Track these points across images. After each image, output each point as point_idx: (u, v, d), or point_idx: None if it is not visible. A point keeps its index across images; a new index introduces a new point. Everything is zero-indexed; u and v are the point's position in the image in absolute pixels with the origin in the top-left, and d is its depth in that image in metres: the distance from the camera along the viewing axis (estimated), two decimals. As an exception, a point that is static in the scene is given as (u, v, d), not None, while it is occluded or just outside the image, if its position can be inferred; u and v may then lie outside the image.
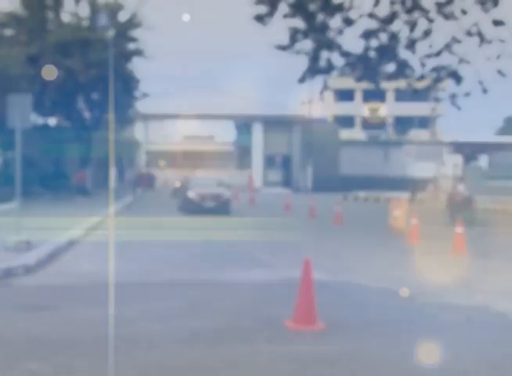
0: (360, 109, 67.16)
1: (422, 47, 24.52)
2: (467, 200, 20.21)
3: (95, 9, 29.00)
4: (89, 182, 31.33)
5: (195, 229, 18.44)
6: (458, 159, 37.00)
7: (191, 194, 23.63)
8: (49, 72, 24.75)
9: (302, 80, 24.13)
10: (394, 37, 23.72)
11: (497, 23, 22.46)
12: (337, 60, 24.03)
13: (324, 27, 22.75)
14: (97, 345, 6.62)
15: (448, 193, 20.75)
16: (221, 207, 23.39)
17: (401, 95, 60.24)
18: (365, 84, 26.59)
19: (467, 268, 12.36)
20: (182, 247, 14.57)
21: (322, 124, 47.12)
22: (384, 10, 23.32)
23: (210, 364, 6.10)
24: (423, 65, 25.20)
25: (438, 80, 26.04)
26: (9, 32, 28.71)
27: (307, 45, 23.34)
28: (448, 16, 23.34)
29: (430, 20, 23.65)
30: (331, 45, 22.98)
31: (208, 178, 29.80)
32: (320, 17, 22.66)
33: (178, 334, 7.11)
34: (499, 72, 23.75)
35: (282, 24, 22.64)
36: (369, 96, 61.51)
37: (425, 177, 37.51)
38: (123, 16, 29.64)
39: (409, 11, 23.33)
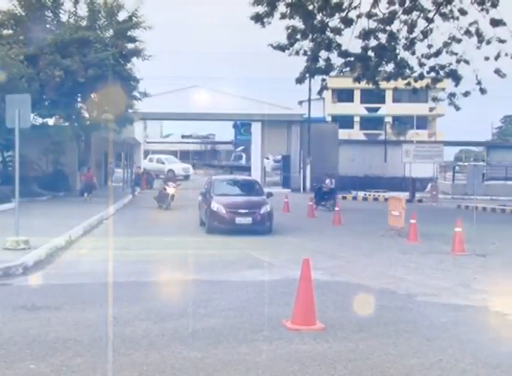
0: (359, 109, 67.19)
1: (421, 47, 24.59)
2: (331, 191, 26.42)
3: (93, 9, 28.96)
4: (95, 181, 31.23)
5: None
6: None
7: (216, 206, 17.14)
8: None
9: (301, 80, 24.15)
10: (393, 37, 23.76)
11: (495, 22, 22.49)
12: (336, 60, 24.09)
13: (323, 27, 22.76)
14: (95, 345, 6.62)
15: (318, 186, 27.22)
16: (259, 223, 17.14)
17: (399, 96, 60.31)
18: (364, 85, 26.61)
19: (467, 267, 12.36)
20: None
21: (320, 123, 47.08)
22: (382, 10, 23.39)
23: (210, 364, 6.10)
24: (422, 65, 25.25)
25: (436, 80, 26.11)
26: (7, 32, 28.68)
27: (306, 45, 23.39)
28: (446, 17, 23.39)
29: (429, 20, 23.70)
30: (330, 45, 23.00)
31: (239, 180, 21.42)
32: (319, 17, 22.69)
33: (177, 333, 7.10)
34: (497, 72, 23.80)
35: (281, 24, 22.68)
36: (367, 96, 61.52)
37: (423, 177, 37.56)
38: (122, 16, 29.60)
39: (407, 11, 23.37)
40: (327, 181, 26.98)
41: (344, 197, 34.31)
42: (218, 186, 18.92)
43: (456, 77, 24.74)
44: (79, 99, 30.87)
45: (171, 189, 24.73)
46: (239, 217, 17.00)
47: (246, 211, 17.18)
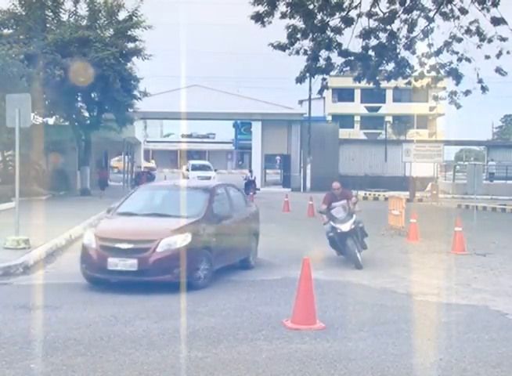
0: (359, 108, 67.20)
1: (421, 46, 24.54)
2: (250, 182, 31.90)
3: (93, 8, 28.95)
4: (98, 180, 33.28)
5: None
6: None
7: (87, 237, 10.04)
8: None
9: (301, 79, 24.09)
10: (393, 36, 23.71)
11: (497, 21, 22.43)
12: (337, 59, 24.04)
13: (323, 27, 22.72)
14: (96, 345, 6.62)
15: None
16: (153, 271, 9.33)
17: (400, 95, 60.28)
18: (364, 84, 26.57)
19: (467, 267, 12.35)
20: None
21: (321, 123, 47.05)
22: (383, 10, 23.35)
23: (210, 363, 6.10)
24: (422, 64, 25.23)
25: (437, 78, 26.09)
26: (7, 31, 28.65)
27: (306, 44, 23.34)
28: (447, 16, 23.35)
29: (430, 20, 23.66)
30: (330, 45, 22.95)
31: (180, 188, 11.89)
32: (319, 16, 22.64)
33: (177, 333, 7.11)
34: (498, 70, 23.76)
35: (281, 24, 22.62)
36: (368, 96, 61.52)
37: (424, 176, 37.53)
38: (122, 15, 29.57)
39: (408, 10, 23.33)
40: (248, 174, 34.48)
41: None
42: (134, 197, 11.43)
43: (456, 75, 24.70)
44: (79, 99, 30.87)
45: None
46: (113, 257, 9.37)
47: (130, 245, 9.39)
